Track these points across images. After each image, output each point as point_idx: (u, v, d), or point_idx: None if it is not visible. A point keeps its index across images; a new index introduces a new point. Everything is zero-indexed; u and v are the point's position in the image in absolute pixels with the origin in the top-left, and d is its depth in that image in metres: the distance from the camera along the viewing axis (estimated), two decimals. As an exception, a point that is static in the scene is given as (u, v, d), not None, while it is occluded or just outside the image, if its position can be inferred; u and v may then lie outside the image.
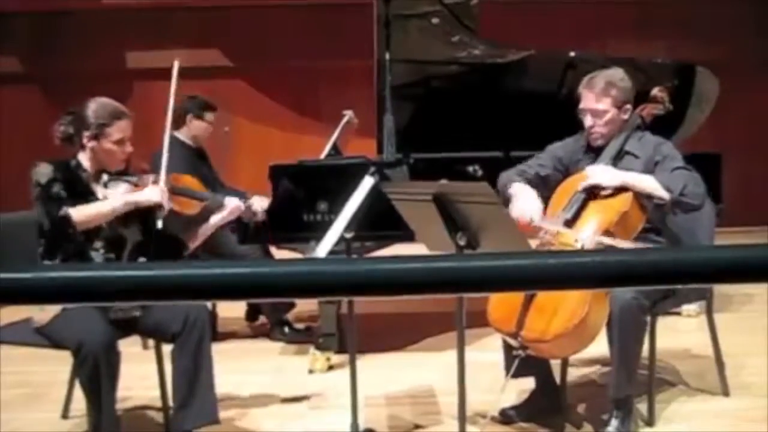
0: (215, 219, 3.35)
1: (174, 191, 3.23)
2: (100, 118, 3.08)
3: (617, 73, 3.37)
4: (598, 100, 3.30)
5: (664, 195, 3.10)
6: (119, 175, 3.17)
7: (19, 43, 8.16)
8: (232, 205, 3.43)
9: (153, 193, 3.11)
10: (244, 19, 8.16)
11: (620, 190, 3.18)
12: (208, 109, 4.80)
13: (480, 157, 4.33)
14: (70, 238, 2.98)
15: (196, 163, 4.73)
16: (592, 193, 3.22)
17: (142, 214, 3.20)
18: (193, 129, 4.75)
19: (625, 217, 3.13)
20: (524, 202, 3.25)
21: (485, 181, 2.87)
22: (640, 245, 3.07)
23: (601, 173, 3.20)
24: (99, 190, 3.13)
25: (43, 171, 3.01)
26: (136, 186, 3.15)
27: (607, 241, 3.06)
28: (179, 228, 3.35)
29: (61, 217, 2.94)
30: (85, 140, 3.09)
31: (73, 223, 2.94)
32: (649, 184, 3.13)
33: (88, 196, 3.09)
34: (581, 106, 3.35)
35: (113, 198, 3.08)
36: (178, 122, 4.59)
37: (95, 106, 3.10)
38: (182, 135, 4.71)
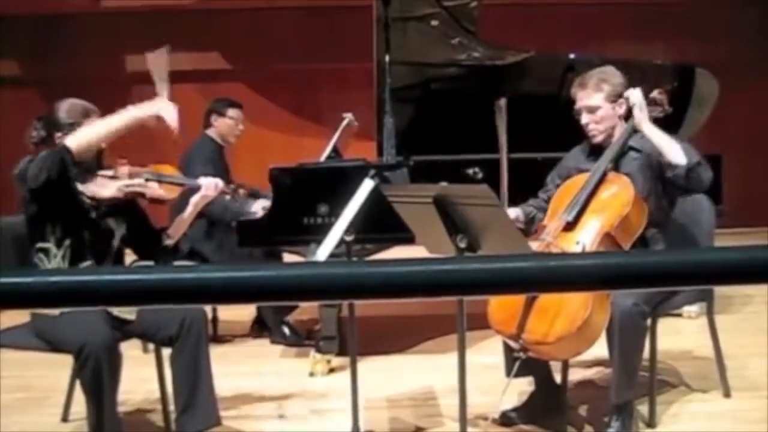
0: (194, 200, 3.30)
1: (151, 179, 3.22)
2: (71, 118, 3.10)
3: (608, 69, 3.39)
4: (590, 96, 3.31)
5: (682, 160, 3.06)
6: (94, 170, 3.16)
7: (19, 46, 8.17)
8: (206, 182, 3.30)
9: (161, 104, 3.08)
10: (243, 22, 8.17)
11: (622, 191, 3.18)
12: (230, 106, 4.99)
13: (480, 159, 4.33)
14: (68, 170, 2.94)
15: (218, 159, 4.81)
16: (596, 189, 3.22)
17: (128, 208, 3.23)
18: (219, 126, 4.93)
19: (627, 219, 3.13)
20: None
21: (485, 184, 2.87)
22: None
23: (640, 100, 3.20)
24: (78, 189, 3.14)
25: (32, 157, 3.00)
26: (113, 177, 3.14)
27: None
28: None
29: (60, 148, 2.91)
30: (57, 140, 3.08)
31: (71, 151, 2.91)
32: (672, 145, 3.11)
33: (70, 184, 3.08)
34: (576, 106, 3.36)
35: (114, 116, 3.02)
36: (207, 123, 4.94)
37: (66, 107, 3.13)
38: (212, 133, 4.94)
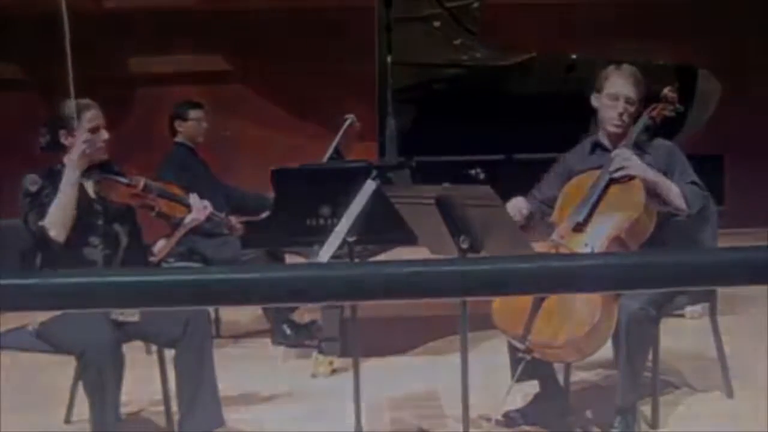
0: (185, 221, 3.32)
1: (163, 195, 3.24)
2: (71, 114, 3.11)
3: (636, 69, 3.38)
4: (632, 89, 3.28)
5: (684, 207, 3.14)
6: (109, 171, 3.18)
7: (21, 48, 8.17)
8: (196, 206, 3.30)
9: (76, 149, 3.08)
10: (246, 24, 8.17)
11: (633, 194, 3.16)
12: (189, 107, 5.00)
13: (482, 159, 4.32)
14: (58, 245, 3.00)
15: (193, 163, 4.82)
16: (606, 189, 3.20)
17: (130, 218, 3.27)
18: (185, 130, 4.95)
19: (637, 223, 3.11)
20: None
21: (487, 184, 2.87)
22: None
23: (631, 159, 3.19)
24: (90, 188, 3.15)
25: (33, 179, 3.06)
26: (129, 186, 3.17)
27: None
28: None
29: (41, 227, 2.98)
30: (62, 139, 3.12)
31: (51, 233, 2.97)
32: (673, 191, 3.15)
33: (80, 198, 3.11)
34: (615, 90, 3.29)
35: (62, 186, 3.05)
36: (173, 130, 4.95)
37: (66, 103, 3.14)
38: (181, 139, 4.94)
